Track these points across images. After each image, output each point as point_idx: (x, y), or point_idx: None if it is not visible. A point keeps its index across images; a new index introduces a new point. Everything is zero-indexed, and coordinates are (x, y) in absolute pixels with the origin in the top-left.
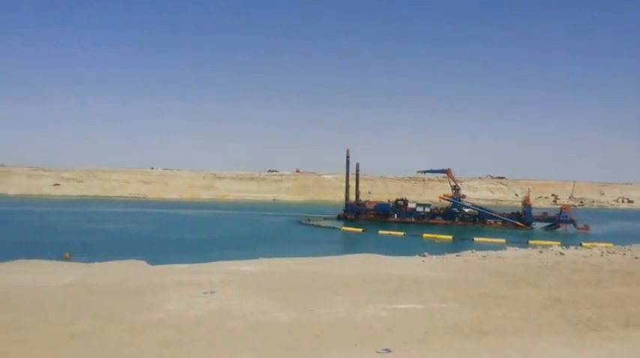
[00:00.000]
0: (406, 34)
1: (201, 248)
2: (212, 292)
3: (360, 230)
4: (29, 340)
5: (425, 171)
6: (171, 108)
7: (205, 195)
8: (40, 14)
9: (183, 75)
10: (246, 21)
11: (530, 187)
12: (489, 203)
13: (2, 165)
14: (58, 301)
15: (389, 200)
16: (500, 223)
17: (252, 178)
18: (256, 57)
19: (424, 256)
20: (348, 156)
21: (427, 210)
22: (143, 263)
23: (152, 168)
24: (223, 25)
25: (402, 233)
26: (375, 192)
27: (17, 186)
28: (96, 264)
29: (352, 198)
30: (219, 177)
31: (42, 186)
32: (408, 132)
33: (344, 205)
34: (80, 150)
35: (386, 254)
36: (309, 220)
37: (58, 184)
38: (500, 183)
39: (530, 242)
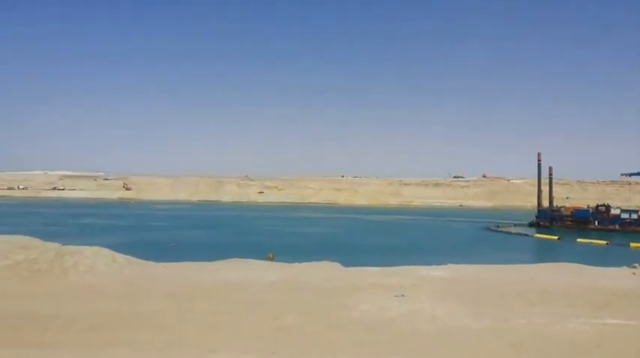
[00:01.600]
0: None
1: (389, 252)
2: (402, 295)
3: (555, 238)
4: (240, 329)
5: (630, 174)
6: (359, 116)
7: (392, 201)
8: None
9: (371, 83)
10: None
11: None
12: None
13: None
14: (265, 296)
15: (588, 205)
16: None
17: (437, 184)
18: (442, 61)
19: (634, 268)
20: (539, 160)
21: (634, 216)
22: (337, 265)
23: (342, 176)
24: (394, 34)
25: (605, 242)
26: (573, 197)
27: (229, 194)
28: (296, 265)
29: (545, 203)
30: (405, 184)
31: (249, 193)
32: (608, 132)
33: (536, 211)
34: (278, 160)
35: (586, 264)
36: (497, 226)
37: (262, 192)
38: None
39: None
